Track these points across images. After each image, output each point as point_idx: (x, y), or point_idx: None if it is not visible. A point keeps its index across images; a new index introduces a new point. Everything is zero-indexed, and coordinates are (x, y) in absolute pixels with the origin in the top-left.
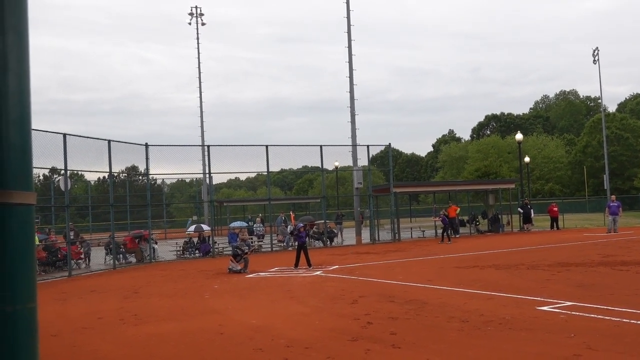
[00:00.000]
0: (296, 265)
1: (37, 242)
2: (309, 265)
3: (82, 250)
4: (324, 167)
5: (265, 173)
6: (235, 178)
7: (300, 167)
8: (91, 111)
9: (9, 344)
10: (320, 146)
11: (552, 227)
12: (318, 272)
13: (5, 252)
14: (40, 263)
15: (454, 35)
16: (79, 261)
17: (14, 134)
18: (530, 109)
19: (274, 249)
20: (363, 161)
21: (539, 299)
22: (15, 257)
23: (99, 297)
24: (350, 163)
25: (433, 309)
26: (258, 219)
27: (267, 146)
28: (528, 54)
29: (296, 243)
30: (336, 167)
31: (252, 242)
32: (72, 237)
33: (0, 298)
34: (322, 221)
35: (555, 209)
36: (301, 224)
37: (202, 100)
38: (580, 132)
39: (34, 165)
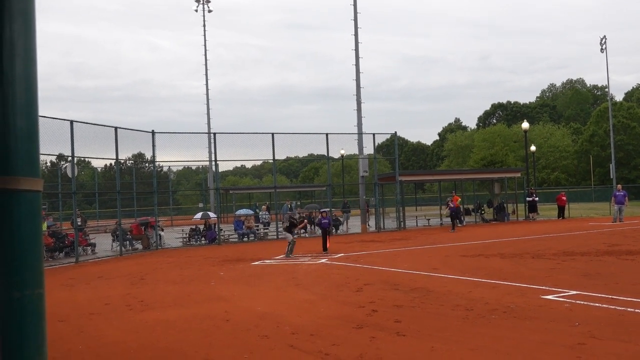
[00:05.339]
0: (325, 249)
1: (44, 229)
2: (325, 249)
3: (87, 239)
4: (330, 155)
5: (271, 161)
6: (242, 166)
7: (306, 155)
8: (100, 98)
9: (17, 328)
10: (326, 134)
11: (559, 216)
12: (323, 260)
13: (12, 238)
14: (47, 249)
15: (462, 23)
16: (86, 248)
17: (20, 120)
18: (537, 97)
19: (279, 236)
20: (369, 149)
21: (543, 287)
22: (22, 243)
23: (106, 283)
24: (356, 151)
25: (438, 297)
26: (264, 207)
27: (273, 134)
28: (536, 42)
29: (319, 229)
30: (342, 155)
31: (257, 230)
32: (79, 223)
33: (9, 284)
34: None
35: (564, 198)
36: (325, 209)
37: (209, 88)
38: (586, 121)
39: (41, 151)
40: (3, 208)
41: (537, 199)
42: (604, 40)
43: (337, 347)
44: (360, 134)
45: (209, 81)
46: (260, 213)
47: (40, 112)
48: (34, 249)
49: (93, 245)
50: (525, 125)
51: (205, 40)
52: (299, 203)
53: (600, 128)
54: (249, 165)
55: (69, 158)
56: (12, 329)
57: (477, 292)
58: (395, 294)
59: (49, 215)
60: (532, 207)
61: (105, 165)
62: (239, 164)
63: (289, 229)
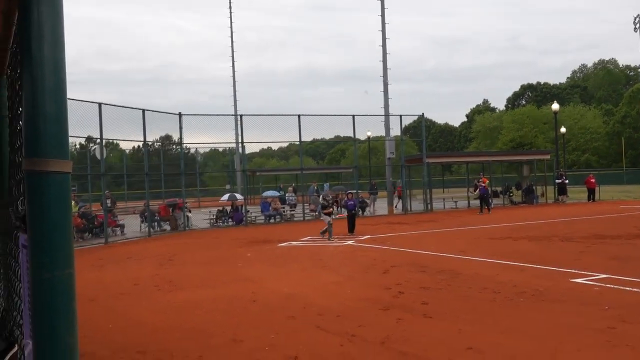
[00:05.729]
0: (351, 230)
1: (74, 210)
2: (351, 231)
3: (116, 220)
4: (357, 136)
5: (298, 143)
6: (268, 147)
7: (333, 136)
8: (127, 81)
9: (48, 308)
10: (353, 116)
11: (589, 199)
12: (350, 242)
13: (42, 219)
14: (77, 230)
15: (492, 3)
16: (115, 229)
17: (49, 102)
18: (568, 78)
19: (306, 218)
20: (396, 131)
21: (572, 271)
22: (52, 224)
23: (135, 264)
24: (383, 133)
25: (465, 279)
26: (290, 189)
27: (299, 115)
28: (567, 21)
29: (345, 211)
30: (368, 137)
31: (284, 212)
32: (109, 205)
33: (39, 264)
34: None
35: (593, 180)
36: (350, 191)
37: (236, 70)
38: (618, 102)
39: (70, 134)
40: (33, 190)
41: (566, 181)
42: (637, 19)
43: (363, 329)
44: (387, 115)
45: (235, 63)
46: (286, 195)
47: (69, 95)
48: (64, 230)
49: (122, 226)
50: (555, 106)
51: (231, 22)
52: (327, 185)
53: (633, 109)
54: (275, 147)
55: (98, 140)
56: (43, 308)
57: (505, 274)
58: (422, 276)
59: (79, 197)
60: (562, 190)
61: (133, 147)
62: (265, 146)
63: (325, 211)
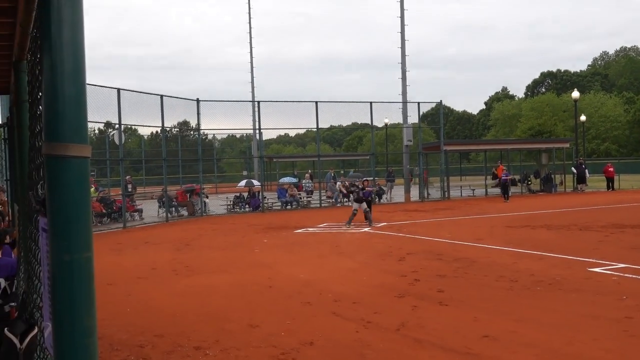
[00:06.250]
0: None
1: (93, 194)
2: (367, 218)
3: (134, 205)
4: (374, 124)
5: (315, 129)
6: (285, 134)
7: (350, 123)
8: (146, 66)
9: (67, 291)
10: (370, 103)
11: (608, 188)
12: (366, 229)
13: (61, 203)
14: (95, 215)
15: None
16: (134, 213)
17: (69, 87)
18: (589, 66)
19: (322, 205)
20: (413, 118)
21: (590, 260)
22: (71, 208)
23: (153, 249)
24: (401, 120)
25: (482, 267)
26: (307, 175)
27: (316, 102)
28: (589, 9)
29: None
30: (386, 124)
31: (301, 198)
32: (129, 189)
33: (59, 247)
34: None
35: (611, 169)
36: (367, 178)
37: (254, 56)
38: None
39: (89, 119)
40: (52, 174)
41: (586, 169)
42: None
43: (379, 316)
44: (404, 102)
45: (253, 49)
46: (303, 181)
47: (88, 80)
48: (83, 214)
49: (140, 211)
50: (575, 94)
51: (249, 8)
52: (352, 171)
53: None
54: (292, 133)
55: (117, 125)
56: (62, 291)
57: (522, 263)
58: (438, 263)
59: (98, 182)
60: (581, 179)
61: (152, 132)
62: (282, 132)
63: (358, 199)
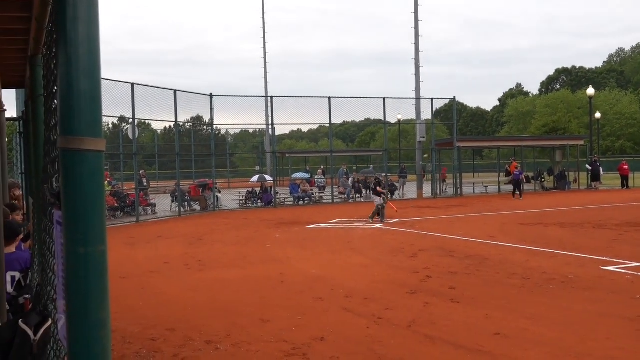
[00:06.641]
0: (382, 218)
1: (107, 189)
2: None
3: (147, 199)
4: (387, 119)
5: (328, 125)
6: (298, 129)
7: (363, 119)
8: (159, 61)
9: (81, 282)
10: (384, 98)
11: (622, 185)
12: (378, 225)
13: (76, 196)
14: (109, 208)
15: None
16: (147, 208)
17: (84, 81)
18: (604, 62)
19: (334, 200)
20: (426, 114)
21: (604, 258)
22: (85, 201)
23: (165, 243)
24: (414, 116)
25: (494, 265)
26: (319, 171)
27: (329, 98)
28: (605, 5)
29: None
30: (399, 120)
31: (313, 194)
32: (144, 184)
33: (73, 240)
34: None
35: (626, 167)
36: (380, 174)
37: (267, 51)
38: None
39: (104, 113)
40: (67, 167)
41: (600, 167)
42: None
43: (390, 312)
44: (418, 98)
45: (266, 44)
46: (316, 177)
47: (102, 74)
48: (97, 207)
49: (153, 205)
50: (590, 91)
51: (263, 3)
52: (372, 167)
53: None
54: (305, 129)
55: (130, 120)
56: (76, 283)
57: (534, 261)
58: (450, 260)
59: (111, 176)
60: (595, 176)
61: (165, 127)
62: (295, 128)
63: (376, 192)
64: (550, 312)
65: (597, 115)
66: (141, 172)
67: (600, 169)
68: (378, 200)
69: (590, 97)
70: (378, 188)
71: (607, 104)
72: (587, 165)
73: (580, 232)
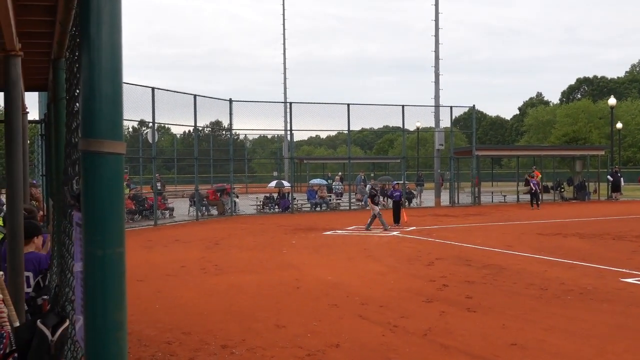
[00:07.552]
0: (397, 221)
1: (126, 192)
2: (396, 222)
3: (165, 203)
4: (405, 127)
5: (346, 132)
6: (316, 136)
7: (381, 126)
8: (180, 66)
9: (99, 284)
10: (402, 106)
11: None
12: (395, 233)
13: (96, 198)
14: (128, 211)
15: None
16: (165, 211)
17: (106, 85)
18: (627, 72)
19: (352, 207)
20: (445, 122)
21: (623, 270)
22: (105, 203)
23: (183, 247)
24: (433, 124)
25: (511, 274)
26: (337, 177)
27: (348, 104)
28: (628, 13)
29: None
30: (417, 128)
31: (330, 200)
32: (159, 188)
33: (92, 242)
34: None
35: None
36: (395, 182)
37: (287, 57)
38: None
39: (124, 117)
40: (87, 169)
41: (621, 178)
42: None
43: (406, 320)
44: (437, 106)
45: (286, 51)
46: (334, 184)
47: (124, 78)
48: (116, 209)
49: (171, 209)
50: (612, 101)
51: (283, 10)
52: (385, 174)
53: None
54: (323, 135)
55: (150, 124)
56: (94, 284)
57: (552, 271)
58: (467, 269)
59: (130, 179)
60: (616, 187)
61: (184, 131)
62: (313, 134)
63: (374, 202)
64: (568, 323)
65: (619, 125)
66: (157, 175)
67: (621, 179)
68: (376, 209)
69: (612, 107)
70: (374, 199)
71: (629, 115)
72: (608, 176)
73: (600, 243)
